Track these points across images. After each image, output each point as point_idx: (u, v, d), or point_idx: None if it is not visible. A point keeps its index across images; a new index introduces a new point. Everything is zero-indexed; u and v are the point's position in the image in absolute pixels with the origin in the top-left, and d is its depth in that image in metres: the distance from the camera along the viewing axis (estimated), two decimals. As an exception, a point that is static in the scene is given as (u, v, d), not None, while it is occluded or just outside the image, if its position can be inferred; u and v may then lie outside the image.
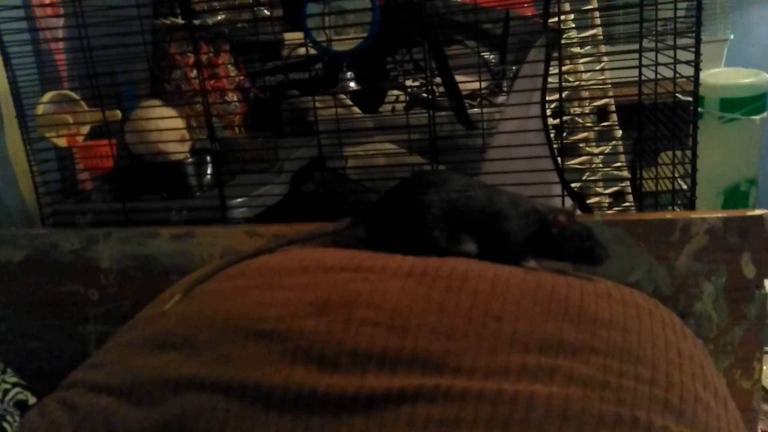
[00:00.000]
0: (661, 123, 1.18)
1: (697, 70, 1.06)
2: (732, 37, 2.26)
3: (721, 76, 1.88)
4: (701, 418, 0.73)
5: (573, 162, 1.46)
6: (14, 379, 0.95)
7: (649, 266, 1.02)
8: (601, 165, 1.53)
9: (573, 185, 1.23)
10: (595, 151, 1.52)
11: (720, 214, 1.00)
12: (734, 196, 1.74)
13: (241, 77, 1.49)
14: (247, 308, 0.84)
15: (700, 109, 1.10)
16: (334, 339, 0.78)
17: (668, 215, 1.02)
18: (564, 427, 0.68)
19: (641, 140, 1.20)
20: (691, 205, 1.10)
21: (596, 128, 1.59)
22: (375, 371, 0.75)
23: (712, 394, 0.78)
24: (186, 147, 1.27)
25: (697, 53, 1.05)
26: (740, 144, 1.76)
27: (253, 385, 0.75)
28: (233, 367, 0.78)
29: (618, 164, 1.54)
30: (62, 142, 1.32)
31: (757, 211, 1.00)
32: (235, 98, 1.47)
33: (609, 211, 1.42)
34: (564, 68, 1.24)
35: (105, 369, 0.86)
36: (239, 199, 1.19)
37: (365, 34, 1.20)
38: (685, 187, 1.13)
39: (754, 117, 1.78)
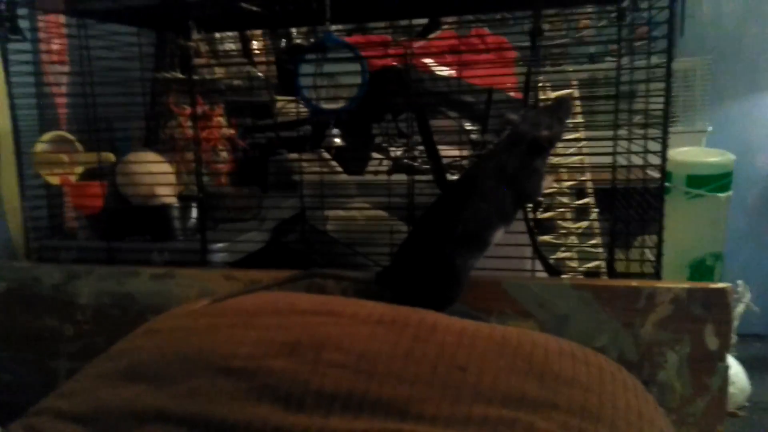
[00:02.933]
0: (633, 207, 1.23)
1: (665, 155, 1.12)
2: (710, 128, 2.35)
3: (688, 154, 1.95)
4: None
5: (549, 237, 1.51)
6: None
7: (615, 332, 1.05)
8: (576, 241, 1.57)
9: (548, 259, 1.27)
10: (572, 227, 1.56)
11: (684, 285, 1.03)
12: (700, 270, 1.78)
13: (232, 132, 1.54)
14: (219, 345, 0.86)
15: (668, 184, 1.15)
16: (301, 379, 0.79)
17: (634, 283, 1.06)
18: None
19: (615, 220, 1.25)
20: (657, 275, 1.14)
21: (573, 205, 1.64)
22: (339, 413, 0.76)
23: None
24: (173, 192, 1.31)
25: (665, 142, 1.12)
26: (706, 219, 1.82)
27: (218, 420, 0.76)
28: (200, 401, 0.78)
29: (593, 242, 1.58)
30: (55, 180, 1.36)
31: (720, 285, 1.03)
32: (224, 150, 1.52)
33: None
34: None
35: (73, 398, 0.86)
36: (220, 244, 1.22)
37: (354, 95, 1.26)
38: (652, 258, 1.16)
39: (719, 194, 1.85)
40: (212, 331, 0.89)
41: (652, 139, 1.14)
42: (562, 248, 1.51)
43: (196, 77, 1.41)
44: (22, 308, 1.20)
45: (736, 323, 1.08)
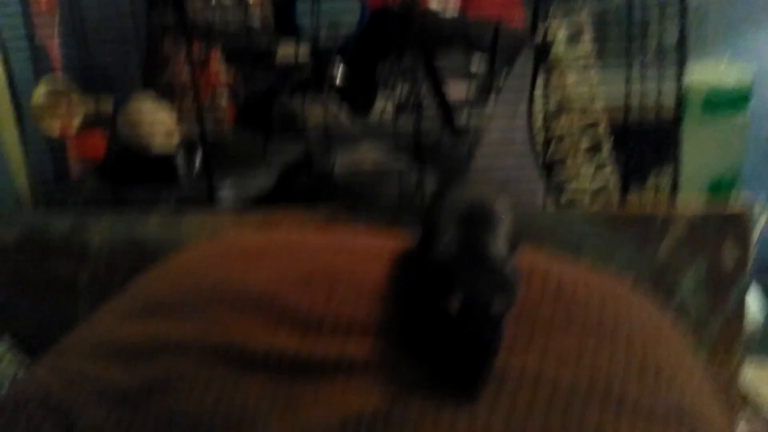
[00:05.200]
0: (647, 142, 1.20)
1: (681, 79, 1.09)
2: (726, 60, 2.28)
3: (705, 72, 1.87)
4: (675, 393, 0.73)
5: (560, 177, 1.48)
6: (4, 347, 0.95)
7: (629, 258, 1.04)
8: (588, 180, 1.55)
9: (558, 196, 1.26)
10: (584, 166, 1.53)
11: (701, 207, 1.02)
12: (717, 192, 1.74)
13: (230, 77, 1.52)
14: (232, 279, 0.85)
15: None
16: (316, 308, 0.79)
17: (649, 208, 1.05)
18: (536, 395, 0.69)
19: (630, 152, 1.22)
20: (672, 199, 1.12)
21: (584, 143, 1.61)
22: (358, 338, 0.76)
23: (687, 373, 0.79)
24: (176, 139, 1.29)
25: (681, 68, 1.08)
26: (724, 141, 1.76)
27: (236, 350, 0.76)
28: (217, 333, 0.78)
29: (606, 179, 1.56)
30: (55, 131, 1.34)
31: (737, 205, 1.02)
32: (224, 95, 1.49)
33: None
34: (552, 81, 1.27)
35: (94, 334, 0.87)
36: (227, 188, 1.21)
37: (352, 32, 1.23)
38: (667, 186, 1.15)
39: (737, 113, 1.80)
40: (224, 266, 0.89)
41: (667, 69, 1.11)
42: (573, 187, 1.49)
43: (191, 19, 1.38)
44: (35, 257, 1.20)
45: (754, 246, 1.07)
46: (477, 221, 0.77)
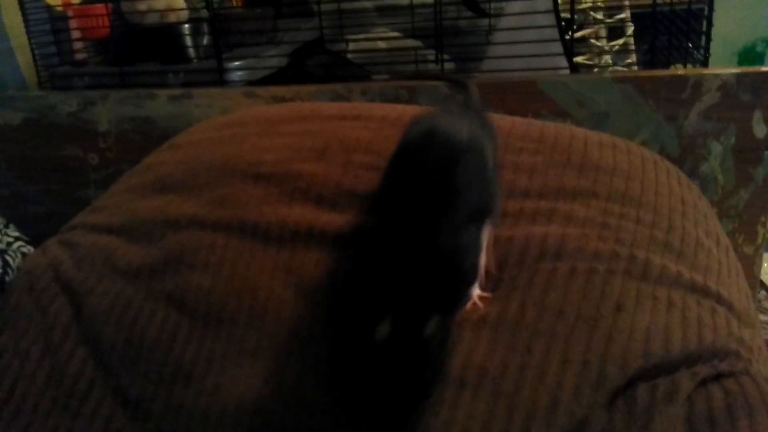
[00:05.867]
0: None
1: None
2: None
3: None
4: (702, 260, 0.71)
5: (582, 58, 1.41)
6: (16, 234, 0.95)
7: (657, 126, 1.00)
8: (610, 62, 1.47)
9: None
10: (606, 47, 1.45)
11: (733, 70, 0.96)
12: (749, 57, 1.67)
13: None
14: (245, 153, 0.83)
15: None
16: (331, 180, 0.76)
17: (680, 71, 0.99)
18: (558, 263, 0.67)
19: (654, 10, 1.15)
20: (704, 63, 1.06)
21: (607, 21, 1.51)
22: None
23: (714, 242, 0.77)
24: (183, 13, 1.23)
25: None
26: (757, 2, 1.67)
27: (251, 223, 0.75)
28: (231, 207, 0.77)
29: (629, 62, 1.48)
30: (57, 1, 1.28)
31: (770, 72, 0.97)
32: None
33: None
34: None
35: (106, 212, 0.86)
36: (237, 63, 1.16)
37: None
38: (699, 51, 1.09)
39: None
40: (236, 140, 0.86)
41: None
42: (596, 69, 1.42)
43: None
44: (43, 139, 1.18)
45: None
46: (431, 196, 0.58)
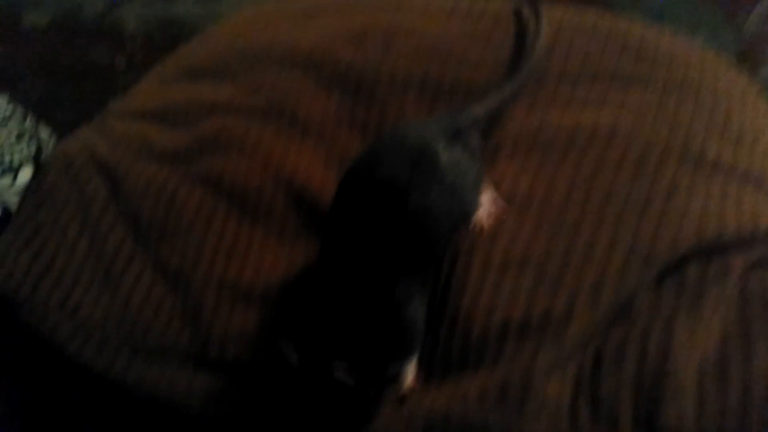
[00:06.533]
0: None
1: None
2: None
3: None
4: (759, 151, 0.68)
5: None
6: (48, 130, 0.94)
7: (715, 26, 0.94)
8: None
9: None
10: None
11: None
12: None
13: None
14: (280, 39, 0.79)
15: None
16: (370, 67, 0.73)
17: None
18: (608, 151, 0.65)
19: None
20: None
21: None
22: (414, 99, 0.71)
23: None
24: None
25: None
26: None
27: (288, 113, 0.72)
28: (267, 95, 0.74)
29: None
30: None
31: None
32: None
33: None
34: None
35: (138, 99, 0.83)
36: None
37: None
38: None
39: None
40: (271, 27, 0.82)
41: None
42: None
43: None
44: (69, 42, 1.15)
45: None
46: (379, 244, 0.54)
